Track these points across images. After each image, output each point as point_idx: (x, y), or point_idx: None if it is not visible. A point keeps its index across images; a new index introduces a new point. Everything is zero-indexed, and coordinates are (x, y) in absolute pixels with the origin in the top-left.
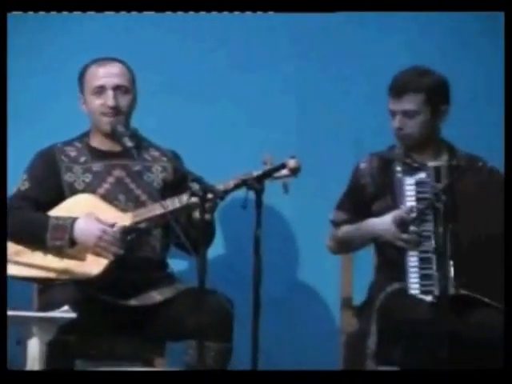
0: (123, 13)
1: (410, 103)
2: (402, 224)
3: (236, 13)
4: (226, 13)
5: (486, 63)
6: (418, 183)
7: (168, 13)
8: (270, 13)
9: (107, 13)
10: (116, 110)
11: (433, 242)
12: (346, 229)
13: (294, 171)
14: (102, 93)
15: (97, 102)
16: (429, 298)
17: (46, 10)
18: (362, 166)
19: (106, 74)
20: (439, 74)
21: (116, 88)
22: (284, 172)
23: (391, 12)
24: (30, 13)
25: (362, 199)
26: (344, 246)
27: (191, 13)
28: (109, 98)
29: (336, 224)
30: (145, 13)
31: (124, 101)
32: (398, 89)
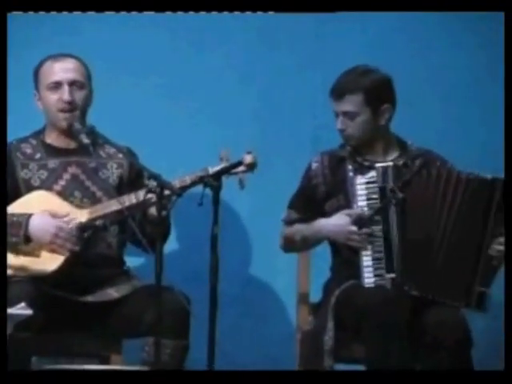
0: (123, 13)
1: (349, 104)
2: (353, 224)
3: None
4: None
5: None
6: (369, 182)
7: (168, 13)
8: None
9: (107, 13)
10: (72, 105)
11: (385, 241)
12: (296, 228)
13: (250, 167)
14: (58, 88)
15: (53, 98)
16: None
17: (45, 10)
18: (314, 165)
19: (62, 70)
20: (381, 73)
21: (72, 83)
22: (240, 167)
23: (392, 12)
24: (30, 13)
25: (314, 198)
26: (294, 245)
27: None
28: (65, 93)
29: (288, 223)
30: (145, 13)
31: (80, 96)
32: (338, 90)
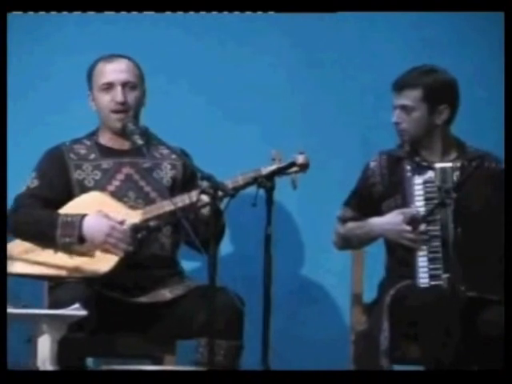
0: (123, 12)
1: (407, 98)
2: (409, 223)
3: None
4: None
5: (486, 63)
6: (427, 182)
7: (168, 12)
8: (271, 12)
9: (107, 13)
10: (125, 106)
11: (441, 241)
12: (350, 225)
13: (303, 167)
14: (111, 89)
15: (105, 99)
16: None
17: (45, 10)
18: (372, 164)
19: (114, 71)
20: (446, 74)
21: (124, 84)
22: (293, 168)
23: (391, 12)
24: (30, 13)
25: (370, 197)
26: (348, 243)
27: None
28: (117, 94)
29: (342, 220)
30: (145, 12)
31: (132, 96)
32: (398, 84)
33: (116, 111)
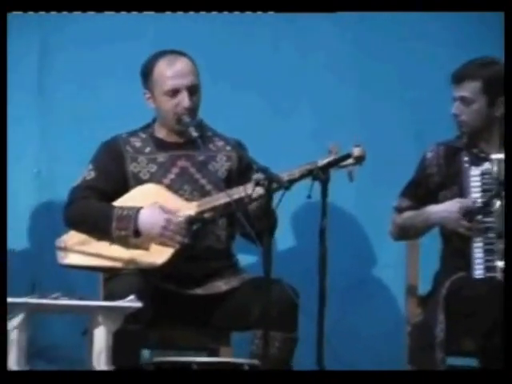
0: (123, 12)
1: (466, 90)
2: (465, 214)
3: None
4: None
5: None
6: (484, 174)
7: (168, 12)
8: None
9: (107, 13)
10: (191, 110)
11: (496, 233)
12: (407, 214)
13: (359, 159)
14: (176, 94)
15: (171, 103)
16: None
17: (45, 10)
18: (429, 155)
19: (178, 75)
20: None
21: (189, 88)
22: (349, 160)
23: (391, 12)
24: (30, 13)
25: (427, 188)
26: (404, 232)
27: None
28: (184, 100)
29: (399, 210)
30: (145, 12)
31: (196, 98)
32: (458, 75)
33: (181, 115)
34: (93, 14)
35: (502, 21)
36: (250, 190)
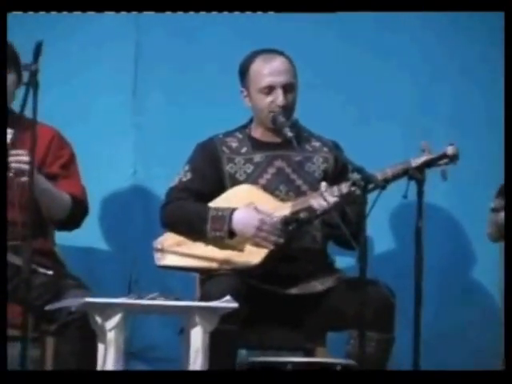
0: (123, 13)
1: None
2: None
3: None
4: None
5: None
6: None
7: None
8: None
9: (107, 13)
10: (286, 109)
11: None
12: (503, 215)
13: (453, 158)
14: (271, 92)
15: (266, 101)
16: None
17: (46, 10)
18: None
19: (274, 72)
20: None
21: (284, 86)
22: (443, 159)
23: (391, 12)
24: (30, 13)
25: None
26: (502, 233)
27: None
28: (279, 98)
29: (496, 211)
30: (145, 13)
31: (291, 97)
32: None
33: (276, 112)
34: (93, 14)
35: (502, 21)
36: (344, 190)
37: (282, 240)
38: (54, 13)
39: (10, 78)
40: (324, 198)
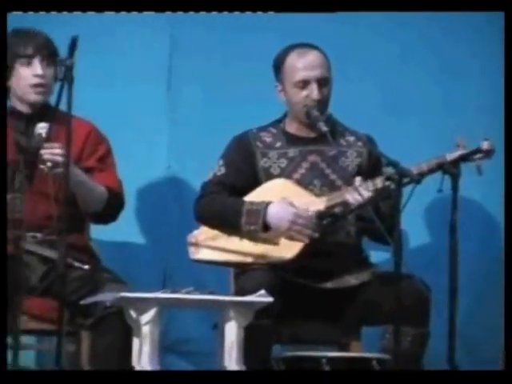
0: (123, 13)
1: None
2: None
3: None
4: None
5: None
6: None
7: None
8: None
9: (107, 13)
10: (320, 103)
11: None
12: None
13: (488, 153)
14: (306, 86)
15: (301, 95)
16: None
17: (46, 10)
18: None
19: (308, 67)
20: None
21: (319, 80)
22: (478, 154)
23: (392, 12)
24: (30, 13)
25: None
26: None
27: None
28: (313, 92)
29: None
30: (145, 12)
31: (326, 91)
32: None
33: (310, 107)
34: (93, 14)
35: (502, 21)
36: (379, 184)
37: (316, 234)
38: (53, 13)
39: (50, 72)
40: (359, 192)
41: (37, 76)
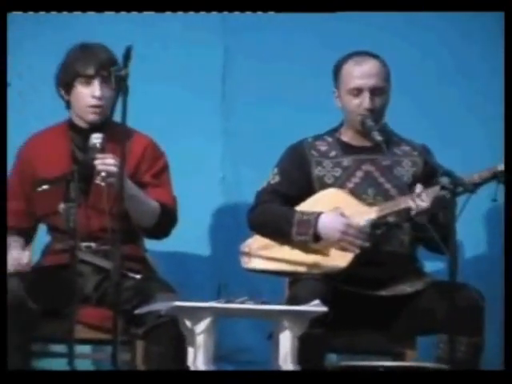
0: (123, 13)
1: None
2: None
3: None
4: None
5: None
6: None
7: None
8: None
9: (107, 13)
10: (373, 112)
11: None
12: None
13: None
14: (359, 94)
15: (354, 103)
16: None
17: (45, 10)
18: None
19: (363, 75)
20: None
21: (373, 90)
22: None
23: (391, 12)
24: (30, 13)
25: None
26: None
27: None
28: (365, 100)
29: None
30: (145, 12)
31: (380, 101)
32: None
33: (363, 115)
34: (93, 14)
35: (502, 21)
36: (434, 193)
37: (367, 244)
38: (53, 13)
39: (109, 93)
40: (421, 198)
41: (94, 97)
